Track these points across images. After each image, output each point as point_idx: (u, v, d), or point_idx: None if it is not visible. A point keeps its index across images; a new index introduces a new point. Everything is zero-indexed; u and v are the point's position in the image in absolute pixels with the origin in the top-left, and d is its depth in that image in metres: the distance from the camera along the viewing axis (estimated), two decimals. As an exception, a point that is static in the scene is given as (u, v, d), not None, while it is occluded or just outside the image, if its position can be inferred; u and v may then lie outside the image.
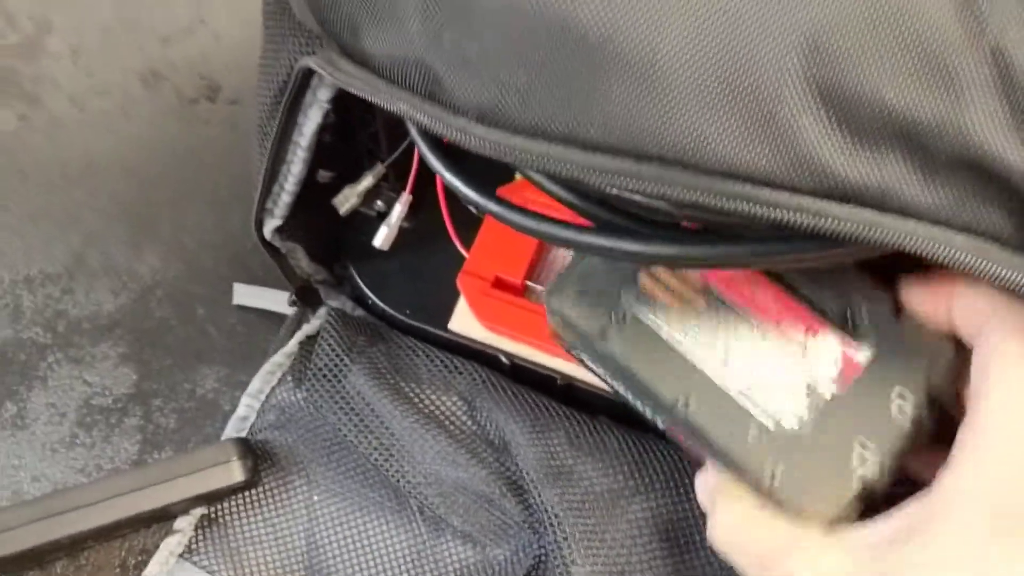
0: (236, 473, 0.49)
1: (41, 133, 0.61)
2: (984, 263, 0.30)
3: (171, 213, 0.59)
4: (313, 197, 0.49)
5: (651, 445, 0.48)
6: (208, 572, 0.48)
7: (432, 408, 0.49)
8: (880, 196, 0.29)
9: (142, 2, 0.65)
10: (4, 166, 0.59)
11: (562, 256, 0.50)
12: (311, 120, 0.42)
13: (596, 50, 0.29)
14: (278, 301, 0.55)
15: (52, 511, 0.46)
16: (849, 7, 0.27)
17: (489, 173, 0.38)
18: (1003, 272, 0.30)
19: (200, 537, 0.49)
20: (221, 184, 0.59)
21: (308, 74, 0.40)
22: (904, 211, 0.29)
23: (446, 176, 0.37)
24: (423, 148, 0.37)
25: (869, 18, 0.27)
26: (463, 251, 0.49)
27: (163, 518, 0.49)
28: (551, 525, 0.44)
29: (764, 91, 0.28)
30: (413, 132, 0.38)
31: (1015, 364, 0.30)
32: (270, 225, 0.47)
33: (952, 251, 0.30)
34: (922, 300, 0.34)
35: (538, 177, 0.36)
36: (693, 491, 0.47)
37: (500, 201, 0.36)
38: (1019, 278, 0.30)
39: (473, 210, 0.44)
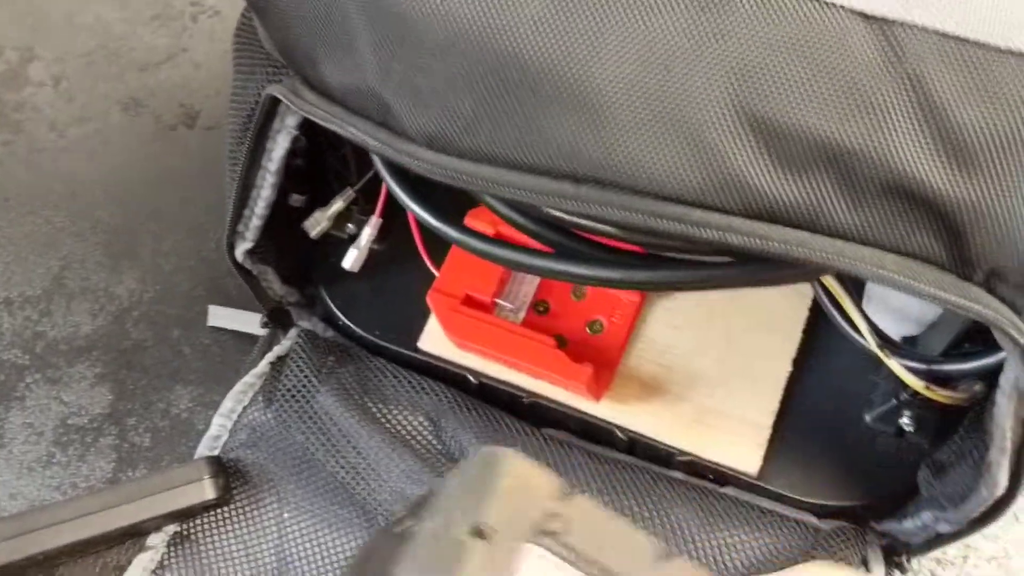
0: (208, 491, 0.50)
1: (22, 159, 0.62)
2: (916, 283, 0.32)
3: (149, 237, 0.60)
4: (284, 220, 0.50)
5: (614, 461, 0.49)
6: (180, 587, 0.49)
7: (399, 428, 0.50)
8: (810, 217, 0.30)
9: (124, 32, 0.66)
10: (-14, 191, 0.61)
11: (531, 276, 0.51)
12: (279, 146, 0.44)
13: (537, 81, 0.30)
14: (251, 323, 0.56)
15: (27, 528, 0.47)
16: (773, 39, 0.29)
17: (458, 200, 0.40)
18: (934, 291, 0.32)
19: (172, 554, 0.50)
20: (199, 209, 0.61)
21: (275, 101, 0.41)
22: (834, 232, 0.31)
23: (407, 203, 0.38)
24: (385, 175, 0.39)
25: (792, 49, 0.29)
26: (434, 270, 0.51)
27: (136, 534, 0.50)
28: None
29: (695, 119, 0.29)
30: (376, 160, 0.39)
31: None
32: (241, 248, 0.48)
33: (883, 271, 0.31)
34: None
35: (492, 202, 0.37)
36: (656, 506, 0.48)
37: (458, 227, 0.38)
38: (950, 297, 0.32)
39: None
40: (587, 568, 0.32)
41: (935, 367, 0.43)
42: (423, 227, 0.51)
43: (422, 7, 0.31)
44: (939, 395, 0.43)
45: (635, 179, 0.30)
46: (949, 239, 0.31)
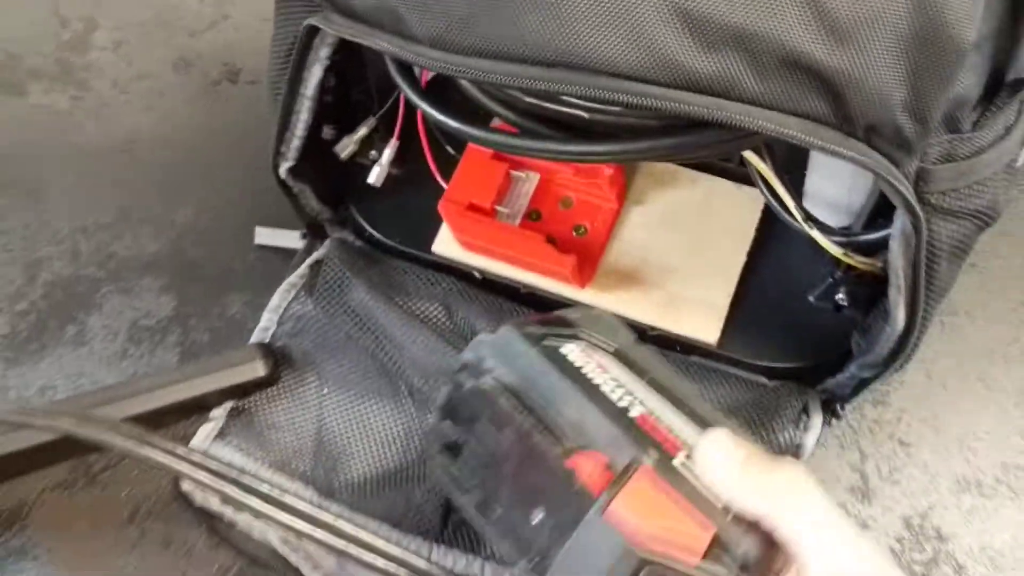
0: (259, 370, 0.59)
1: (90, 112, 0.72)
2: (811, 139, 0.41)
3: (200, 174, 0.70)
4: (319, 149, 0.60)
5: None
6: (238, 450, 0.58)
7: (418, 313, 0.59)
8: (726, 87, 0.40)
9: (174, 3, 0.77)
10: (61, 139, 0.71)
11: (524, 186, 0.61)
12: (314, 75, 0.53)
13: (515, -12, 0.40)
14: (291, 239, 0.65)
15: (115, 397, 0.57)
16: None
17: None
18: (825, 145, 0.41)
19: (230, 424, 0.59)
20: (242, 150, 0.71)
21: (311, 32, 0.50)
22: (745, 99, 0.40)
23: (417, 101, 0.48)
24: (398, 79, 0.48)
25: None
26: (443, 184, 0.60)
27: (201, 408, 0.59)
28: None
29: (636, 12, 0.39)
30: (392, 70, 0.49)
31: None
32: (284, 166, 0.58)
33: (786, 130, 0.41)
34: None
35: (485, 100, 0.47)
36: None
37: (459, 118, 0.47)
38: (838, 149, 0.41)
39: (443, 143, 0.55)
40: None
41: (852, 238, 0.52)
42: (433, 148, 0.61)
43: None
44: (857, 261, 0.52)
45: (592, 61, 0.40)
46: (833, 101, 0.40)
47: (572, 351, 0.42)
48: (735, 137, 0.44)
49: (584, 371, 0.41)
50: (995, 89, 0.45)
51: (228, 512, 0.56)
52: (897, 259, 0.45)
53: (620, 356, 0.44)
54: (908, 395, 0.61)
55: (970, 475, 0.58)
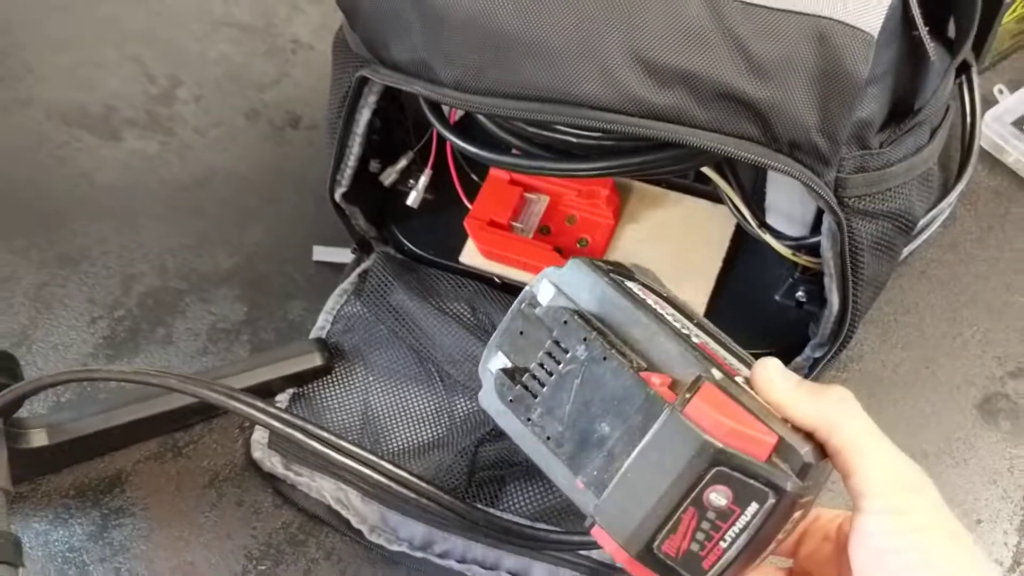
0: (317, 360, 0.71)
1: (175, 153, 0.86)
2: (746, 154, 0.52)
3: (267, 204, 0.83)
4: (367, 178, 0.73)
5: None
6: (299, 426, 0.70)
7: (448, 311, 0.71)
8: (677, 115, 0.51)
9: (243, 62, 0.90)
10: (151, 176, 0.84)
11: (535, 206, 0.73)
12: (364, 117, 0.65)
13: (515, 43, 0.52)
14: (344, 256, 0.78)
15: (198, 381, 0.69)
16: (651, 11, 0.50)
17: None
18: (757, 159, 0.52)
19: (292, 406, 0.71)
20: (302, 184, 0.83)
21: (362, 82, 0.63)
22: (693, 124, 0.52)
23: (442, 131, 0.60)
24: (431, 116, 0.61)
25: (660, 16, 0.50)
26: (468, 205, 0.72)
27: (268, 394, 0.71)
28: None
29: (605, 60, 0.51)
30: (426, 110, 0.61)
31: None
32: (338, 192, 0.70)
33: (726, 148, 0.52)
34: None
35: (496, 130, 0.59)
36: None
37: (476, 144, 0.59)
38: (768, 162, 0.52)
39: (469, 171, 0.68)
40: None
41: (799, 242, 0.63)
42: (460, 176, 0.74)
43: (448, 4, 0.53)
44: (805, 260, 0.63)
45: (575, 97, 0.52)
46: (761, 124, 0.51)
47: (635, 286, 0.47)
48: (689, 155, 0.56)
49: (648, 302, 0.45)
50: (905, 115, 0.56)
51: (291, 475, 0.68)
52: (827, 252, 0.56)
53: (670, 301, 0.49)
54: (864, 381, 0.71)
55: (915, 447, 0.68)
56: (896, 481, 0.40)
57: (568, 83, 0.52)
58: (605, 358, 0.42)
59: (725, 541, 0.39)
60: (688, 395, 0.39)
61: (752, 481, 0.38)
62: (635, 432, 0.40)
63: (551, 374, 0.44)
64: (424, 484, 0.59)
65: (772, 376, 0.42)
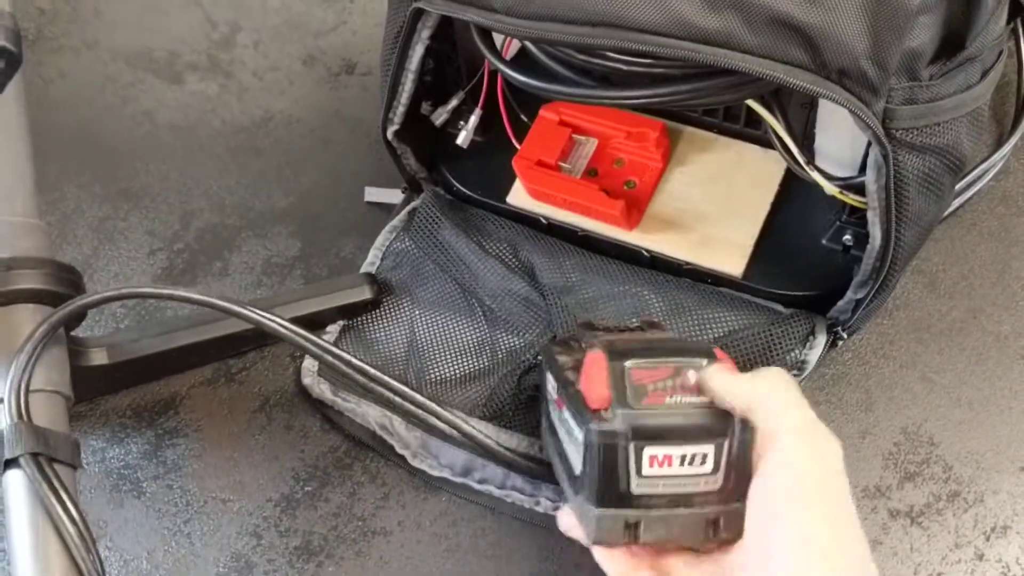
0: (366, 293, 0.73)
1: (235, 96, 0.88)
2: (794, 80, 0.52)
3: (322, 146, 0.85)
4: (418, 119, 0.74)
5: (641, 270, 0.70)
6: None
7: (492, 250, 0.72)
8: (726, 39, 0.52)
9: (302, 11, 0.92)
10: (212, 117, 0.87)
11: (584, 148, 0.73)
12: (417, 53, 0.66)
13: (567, -32, 0.53)
14: (394, 196, 0.79)
15: (253, 309, 0.71)
16: None
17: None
18: (806, 85, 0.52)
19: (342, 337, 0.73)
20: (356, 128, 0.85)
21: (416, 15, 0.64)
22: (742, 49, 0.52)
23: (493, 60, 0.61)
24: (482, 47, 0.62)
25: None
26: (517, 146, 0.73)
27: (319, 325, 0.73)
28: (562, 311, 0.68)
29: (656, -16, 0.52)
30: (478, 40, 0.63)
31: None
32: (391, 129, 0.71)
33: (775, 74, 0.52)
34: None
35: (545, 59, 0.60)
36: (667, 294, 0.69)
37: (527, 73, 0.60)
38: (816, 88, 0.52)
39: (518, 112, 0.69)
40: None
41: (846, 180, 0.63)
42: (510, 116, 0.75)
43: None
44: (852, 199, 0.63)
45: (625, 20, 0.52)
46: (811, 51, 0.51)
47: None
48: (739, 83, 0.56)
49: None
50: (956, 50, 0.56)
51: (339, 401, 0.70)
52: (871, 184, 0.57)
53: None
54: (910, 329, 0.71)
55: (960, 395, 0.68)
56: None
57: (619, 6, 0.52)
58: None
59: (670, 398, 0.49)
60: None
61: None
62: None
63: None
64: (456, 418, 0.61)
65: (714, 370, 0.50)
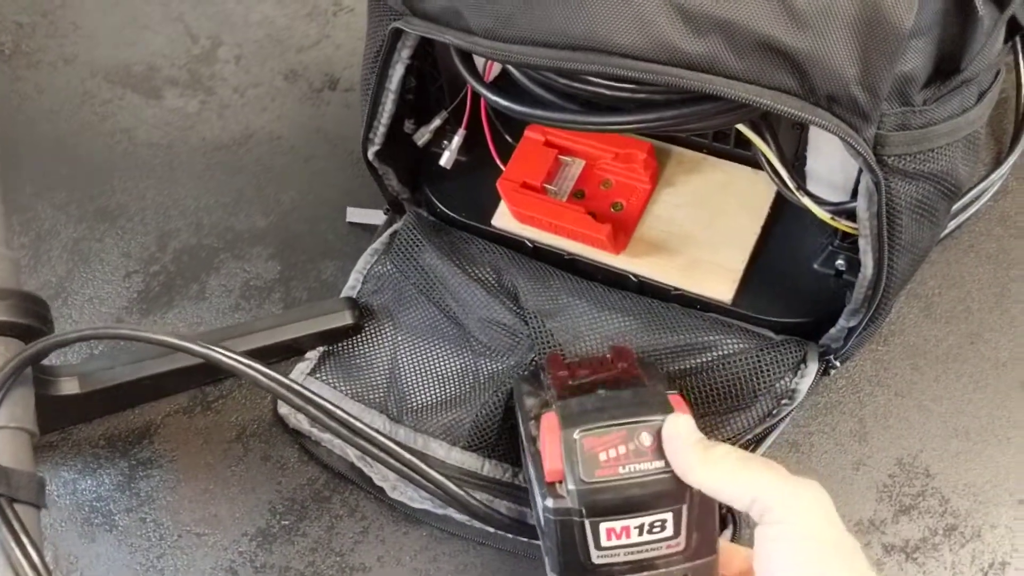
0: (347, 318, 0.71)
1: (215, 112, 0.86)
2: (784, 108, 0.50)
3: (303, 164, 0.83)
4: (400, 139, 0.72)
5: (629, 295, 0.68)
6: (327, 384, 0.70)
7: (475, 274, 0.70)
8: (712, 64, 0.50)
9: (284, 25, 0.90)
10: (191, 134, 0.85)
11: (570, 170, 0.71)
12: (397, 73, 0.65)
13: (546, -10, 0.51)
14: (376, 217, 0.77)
15: (230, 335, 0.69)
16: None
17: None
18: (794, 112, 0.50)
19: (322, 363, 0.71)
20: (338, 146, 0.83)
21: (395, 35, 0.62)
22: (728, 75, 0.50)
23: (474, 83, 0.59)
24: (462, 69, 0.60)
25: None
26: (502, 166, 0.71)
27: (298, 351, 0.71)
28: (544, 335, 0.65)
29: (640, 6, 0.50)
30: (458, 62, 0.61)
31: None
32: (371, 150, 0.69)
33: (762, 100, 0.50)
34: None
35: (527, 82, 0.58)
36: (657, 319, 0.66)
37: (509, 97, 0.58)
38: (804, 115, 0.50)
39: (503, 132, 0.67)
40: None
41: (838, 206, 0.61)
42: (494, 136, 0.73)
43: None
44: (844, 225, 0.61)
45: (607, 45, 0.50)
46: (799, 76, 0.49)
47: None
48: (726, 108, 0.54)
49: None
50: (951, 73, 0.54)
51: (316, 431, 0.68)
52: (863, 212, 0.54)
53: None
54: (905, 356, 0.69)
55: (957, 423, 0.66)
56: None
57: (600, 30, 0.50)
58: None
59: (623, 468, 0.46)
60: (671, 391, 0.51)
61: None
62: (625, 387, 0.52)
63: None
64: (428, 470, 0.60)
65: (678, 431, 0.47)
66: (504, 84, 0.62)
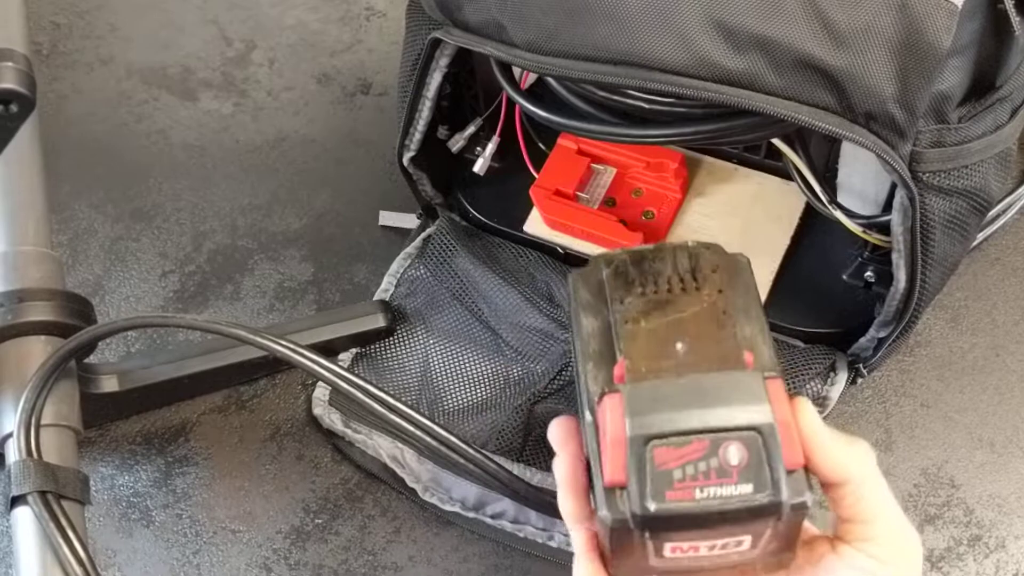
0: (380, 321, 0.72)
1: (249, 115, 0.87)
2: (820, 123, 0.51)
3: (336, 167, 0.84)
4: (435, 145, 0.73)
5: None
6: (359, 385, 0.71)
7: (510, 279, 0.71)
8: (751, 81, 0.51)
9: (317, 29, 0.91)
10: (225, 136, 0.86)
11: (602, 178, 0.72)
12: (435, 80, 0.66)
13: (591, 6, 0.52)
14: (409, 221, 0.78)
15: (268, 334, 0.70)
16: None
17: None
18: (833, 129, 0.51)
19: (355, 365, 0.72)
20: (371, 149, 0.84)
21: (434, 44, 0.63)
22: (767, 91, 0.51)
23: (512, 93, 0.60)
24: (501, 79, 0.61)
25: None
26: (535, 174, 0.72)
27: (332, 352, 0.72)
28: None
29: (682, 23, 0.51)
30: (497, 73, 0.62)
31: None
32: (407, 156, 0.71)
33: (799, 116, 0.51)
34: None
35: (565, 94, 0.59)
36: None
37: (545, 107, 0.59)
38: (843, 132, 0.51)
39: (536, 140, 0.68)
40: None
41: (870, 219, 0.62)
42: (527, 144, 0.74)
43: (525, -36, 0.53)
44: (875, 238, 0.62)
45: (648, 60, 0.51)
46: (837, 94, 0.50)
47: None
48: (763, 124, 0.55)
49: None
50: (987, 91, 0.55)
51: (349, 432, 0.69)
52: (897, 227, 0.55)
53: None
54: (931, 366, 0.70)
55: (982, 435, 0.67)
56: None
57: (642, 46, 0.51)
58: None
59: (701, 492, 0.38)
60: (769, 372, 0.40)
61: (766, 470, 0.38)
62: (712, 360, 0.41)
63: None
64: (472, 450, 0.60)
65: (814, 414, 0.42)
66: (540, 92, 0.63)
